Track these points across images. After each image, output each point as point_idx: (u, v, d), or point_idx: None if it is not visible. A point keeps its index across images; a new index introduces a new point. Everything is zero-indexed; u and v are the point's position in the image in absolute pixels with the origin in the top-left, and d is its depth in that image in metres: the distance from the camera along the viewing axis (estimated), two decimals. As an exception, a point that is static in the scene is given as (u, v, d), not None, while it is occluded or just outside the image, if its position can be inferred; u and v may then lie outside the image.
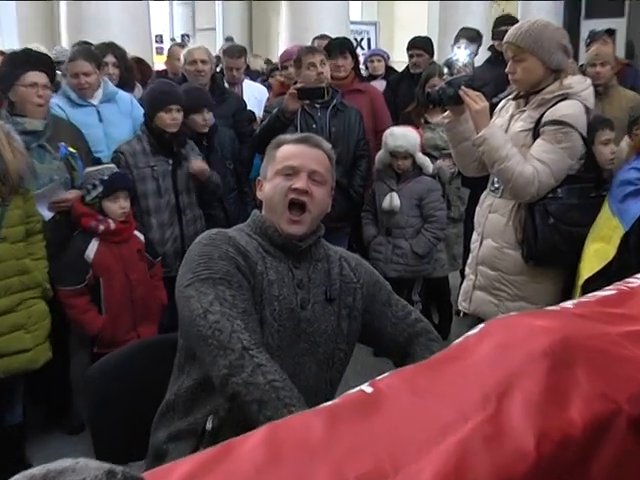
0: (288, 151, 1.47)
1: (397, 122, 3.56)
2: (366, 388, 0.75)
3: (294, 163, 1.44)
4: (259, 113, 3.90)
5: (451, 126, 2.35)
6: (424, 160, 3.41)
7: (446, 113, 2.36)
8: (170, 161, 2.95)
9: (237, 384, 1.18)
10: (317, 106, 3.29)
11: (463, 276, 2.64)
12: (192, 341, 1.28)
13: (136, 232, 2.78)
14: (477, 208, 2.50)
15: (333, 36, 3.93)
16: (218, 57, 4.85)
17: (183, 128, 2.97)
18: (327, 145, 1.51)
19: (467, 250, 2.61)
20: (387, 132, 3.37)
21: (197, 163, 2.92)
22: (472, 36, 4.36)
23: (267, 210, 1.46)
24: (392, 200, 3.34)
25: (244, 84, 4.35)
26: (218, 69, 4.33)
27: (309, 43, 4.10)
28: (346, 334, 1.46)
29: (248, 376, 1.17)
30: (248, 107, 3.86)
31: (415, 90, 3.64)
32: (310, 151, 1.47)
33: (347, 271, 1.50)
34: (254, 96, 4.29)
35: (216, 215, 3.12)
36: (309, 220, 1.43)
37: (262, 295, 1.34)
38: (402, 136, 3.32)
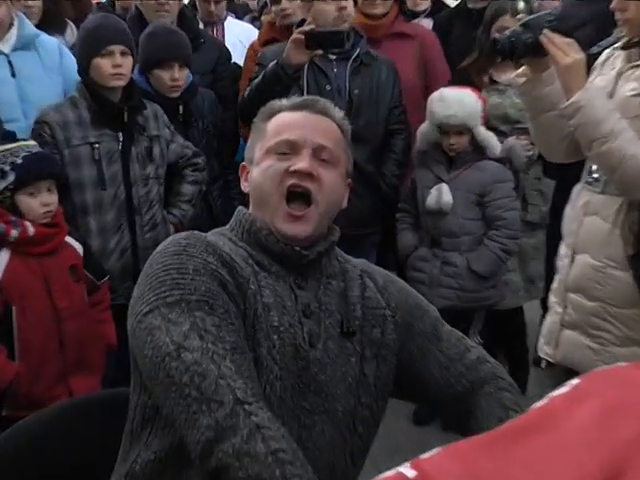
0: (283, 121, 1.51)
1: (449, 82, 3.63)
2: (406, 470, 0.74)
3: (292, 136, 1.48)
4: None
5: (529, 88, 2.38)
6: (488, 137, 3.42)
7: (521, 69, 2.39)
8: (120, 136, 3.01)
9: (226, 453, 1.17)
10: (333, 58, 3.34)
11: (546, 308, 2.70)
12: (158, 392, 1.27)
13: (70, 240, 2.81)
14: (567, 209, 2.56)
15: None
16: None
17: (135, 88, 3.05)
18: (338, 112, 1.55)
19: (551, 270, 2.67)
20: (434, 96, 3.40)
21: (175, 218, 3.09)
22: None
23: (256, 206, 1.51)
24: (441, 195, 3.37)
25: (226, 24, 4.47)
26: (187, 1, 4.44)
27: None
28: (373, 384, 1.50)
29: (243, 442, 1.16)
30: (232, 58, 3.90)
31: (476, 34, 3.68)
32: (314, 119, 1.51)
33: (372, 292, 1.54)
34: (240, 41, 4.33)
35: (195, 215, 3.22)
36: (316, 216, 1.47)
37: (255, 325, 1.37)
38: (456, 102, 3.34)
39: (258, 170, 1.50)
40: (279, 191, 1.46)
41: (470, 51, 3.70)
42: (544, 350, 2.57)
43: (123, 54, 2.99)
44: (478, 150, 3.42)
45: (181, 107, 3.31)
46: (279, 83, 3.11)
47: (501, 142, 3.47)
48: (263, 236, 1.47)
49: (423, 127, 3.46)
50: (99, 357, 2.84)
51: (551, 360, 2.59)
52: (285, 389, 1.38)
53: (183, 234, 1.42)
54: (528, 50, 2.28)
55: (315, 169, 1.47)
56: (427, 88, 3.65)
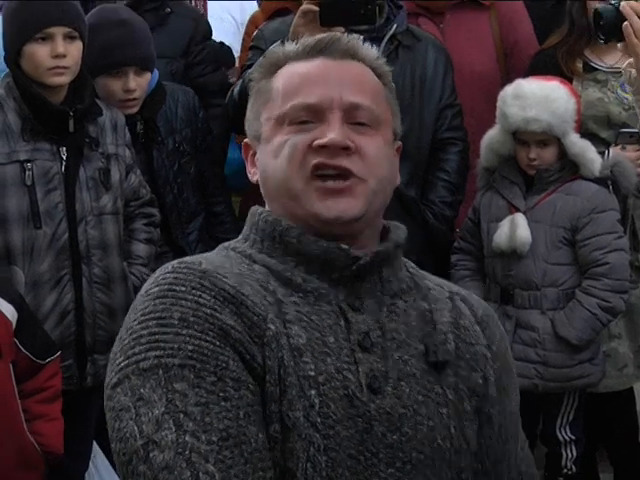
0: (295, 75, 1.41)
1: (529, 67, 3.51)
2: None
3: (311, 97, 1.37)
4: (238, 50, 3.85)
5: None
6: (584, 149, 3.19)
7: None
8: (62, 152, 2.83)
9: None
10: (359, 37, 2.90)
11: None
12: None
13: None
14: None
15: None
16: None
17: (87, 84, 2.88)
18: (370, 51, 1.44)
19: None
20: (506, 91, 3.20)
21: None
22: None
23: (273, 199, 1.41)
24: (515, 230, 3.15)
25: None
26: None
27: None
28: (477, 454, 1.39)
29: None
30: (216, 37, 3.75)
31: (564, 2, 3.50)
32: (339, 68, 1.40)
33: (468, 321, 1.44)
34: (232, 17, 4.18)
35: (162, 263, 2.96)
36: (365, 190, 1.36)
37: (283, 381, 1.27)
38: (539, 99, 3.13)
39: (269, 149, 1.39)
40: (304, 173, 1.35)
41: (556, 26, 3.54)
42: None
43: (68, 38, 2.75)
44: (569, 167, 3.21)
45: (140, 125, 3.09)
46: None
47: (601, 155, 3.23)
48: (294, 237, 1.35)
49: (491, 134, 3.24)
50: (36, 473, 2.64)
51: None
52: (337, 465, 1.27)
53: (174, 263, 1.35)
54: None
55: (350, 139, 1.35)
56: (511, 79, 3.39)
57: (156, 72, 3.11)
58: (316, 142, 1.35)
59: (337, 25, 2.82)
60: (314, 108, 1.37)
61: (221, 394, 1.24)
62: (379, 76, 1.44)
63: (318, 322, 1.34)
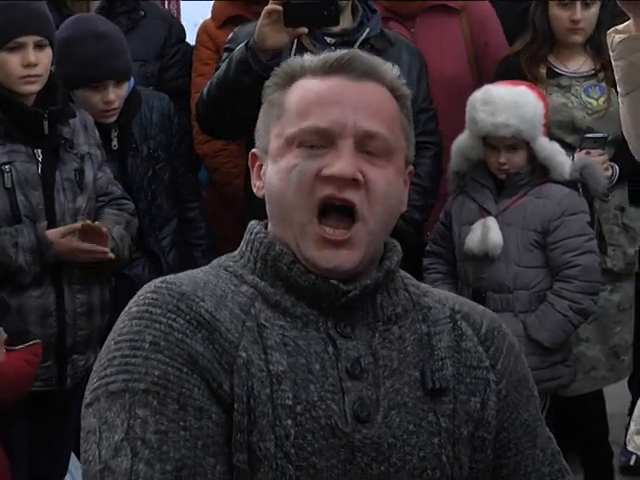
0: (310, 93, 1.37)
1: (495, 74, 3.48)
2: None
3: (324, 121, 1.33)
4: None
5: (629, 48, 2.12)
6: (553, 152, 3.21)
7: (623, 25, 2.13)
8: (38, 153, 2.85)
9: None
10: (328, 41, 3.11)
11: (636, 392, 2.69)
12: None
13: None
14: None
15: None
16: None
17: (57, 87, 2.90)
18: (391, 70, 1.41)
19: None
20: (475, 96, 3.21)
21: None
22: None
23: (275, 221, 1.39)
24: (487, 234, 3.16)
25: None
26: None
27: None
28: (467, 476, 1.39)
29: None
30: (191, 41, 3.76)
31: (527, 8, 3.50)
32: (357, 90, 1.36)
33: (471, 342, 1.43)
34: (202, 18, 4.04)
35: (137, 277, 3.12)
36: (364, 236, 1.34)
37: (253, 410, 1.26)
38: (507, 104, 3.15)
39: (276, 170, 1.36)
40: (308, 205, 1.32)
41: (519, 32, 3.53)
42: (633, 442, 2.39)
43: (38, 47, 2.77)
44: (539, 170, 3.21)
45: (115, 132, 3.12)
46: (249, 74, 2.84)
47: (570, 157, 3.25)
48: (285, 264, 1.35)
49: (461, 139, 3.23)
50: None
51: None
52: None
53: (157, 281, 1.35)
54: None
55: (360, 170, 1.32)
56: (483, 82, 3.41)
57: (132, 79, 3.13)
58: (325, 172, 1.33)
59: (301, 26, 2.85)
60: (325, 133, 1.35)
61: (181, 423, 1.24)
62: (397, 99, 1.41)
63: (305, 347, 1.33)
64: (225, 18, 3.59)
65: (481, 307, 1.51)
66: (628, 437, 2.45)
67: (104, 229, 2.79)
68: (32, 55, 2.74)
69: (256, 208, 3.14)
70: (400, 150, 1.40)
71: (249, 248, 1.41)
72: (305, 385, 1.30)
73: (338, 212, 1.34)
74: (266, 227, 1.41)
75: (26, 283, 2.81)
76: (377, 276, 1.38)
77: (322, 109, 1.35)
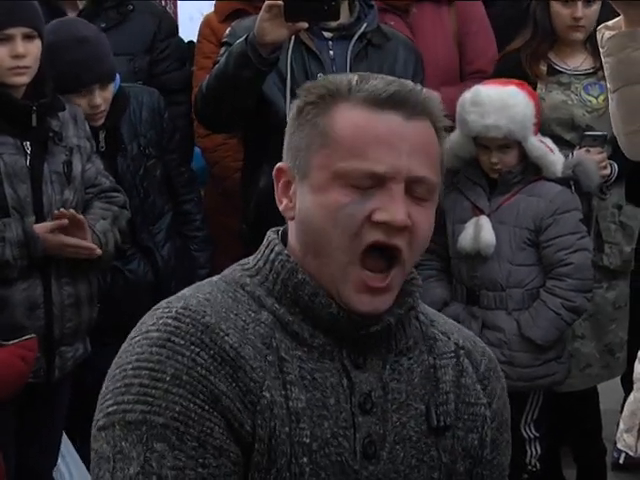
0: (365, 129, 1.32)
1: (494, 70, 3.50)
2: None
3: (380, 167, 1.30)
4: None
5: (619, 45, 2.14)
6: (543, 150, 3.21)
7: (613, 21, 2.16)
8: (26, 146, 2.85)
9: None
10: (327, 36, 3.11)
11: (629, 387, 2.57)
12: None
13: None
14: None
15: None
16: None
17: (47, 80, 2.88)
18: (439, 106, 1.38)
19: (638, 334, 2.59)
20: (465, 97, 3.21)
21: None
22: None
23: (308, 250, 1.36)
24: (479, 231, 3.18)
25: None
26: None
27: None
28: None
29: None
30: (186, 36, 3.77)
31: (528, 4, 3.52)
32: (411, 132, 1.33)
33: (470, 379, 1.44)
34: (200, 15, 4.06)
35: (132, 272, 3.15)
36: (401, 280, 1.35)
37: (273, 449, 1.27)
38: (496, 105, 3.14)
39: (319, 202, 1.32)
40: (354, 248, 1.30)
41: (520, 29, 3.52)
42: (623, 440, 2.42)
43: (27, 38, 2.77)
44: (531, 168, 3.22)
45: (102, 134, 3.12)
46: (248, 68, 2.86)
47: (566, 156, 3.26)
48: (307, 295, 1.33)
49: (452, 139, 3.17)
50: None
51: (631, 453, 2.47)
52: None
53: (179, 307, 1.30)
54: None
55: (409, 214, 1.30)
56: (462, 76, 3.54)
57: (117, 78, 3.13)
58: (377, 217, 1.30)
59: (301, 21, 2.87)
60: (380, 177, 1.32)
61: (200, 460, 1.24)
62: (437, 130, 1.38)
63: (321, 381, 1.33)
64: (228, 12, 3.60)
65: (481, 344, 1.50)
66: (618, 435, 2.46)
67: (79, 217, 2.77)
68: (21, 46, 2.74)
69: (252, 203, 3.09)
70: (439, 187, 1.39)
71: (268, 267, 1.39)
72: (320, 422, 1.31)
73: (381, 256, 1.33)
74: (283, 236, 1.40)
75: (13, 277, 2.81)
76: (399, 313, 1.37)
77: (379, 151, 1.32)
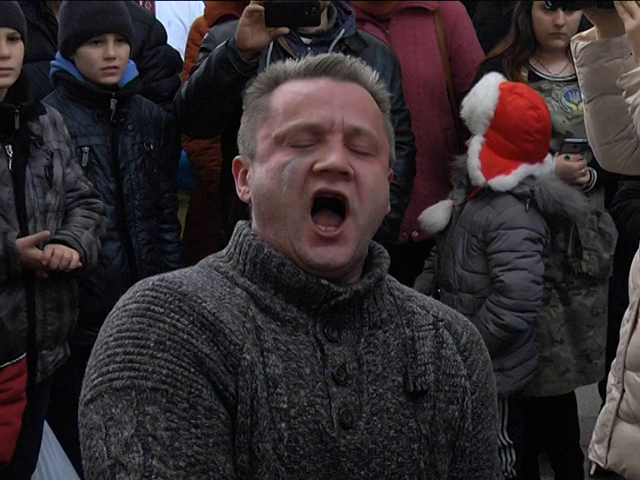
0: (296, 94, 1.40)
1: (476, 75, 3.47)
2: None
3: (314, 117, 1.37)
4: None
5: (592, 55, 2.20)
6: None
7: (587, 32, 2.24)
8: (8, 149, 2.84)
9: None
10: (305, 42, 3.15)
11: (606, 396, 2.56)
12: None
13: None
14: (636, 256, 2.42)
15: None
16: None
17: (28, 82, 2.89)
18: (371, 75, 1.44)
19: (616, 341, 2.56)
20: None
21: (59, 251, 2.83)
22: None
23: (264, 222, 1.40)
24: (433, 213, 3.25)
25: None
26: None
27: None
28: None
29: None
30: (169, 41, 3.72)
31: (510, 11, 3.55)
32: (342, 90, 1.40)
33: (450, 351, 1.45)
34: (179, 20, 4.14)
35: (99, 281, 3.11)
36: (355, 232, 1.37)
37: (255, 412, 1.28)
38: (473, 103, 3.19)
39: (265, 170, 1.38)
40: (301, 201, 1.34)
41: (502, 35, 3.56)
42: (594, 451, 2.42)
43: (10, 40, 2.76)
44: None
45: (113, 102, 3.09)
46: (229, 72, 2.87)
47: None
48: (275, 267, 1.36)
49: None
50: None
51: (601, 464, 2.44)
52: None
53: (155, 279, 1.33)
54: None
55: (350, 164, 1.35)
56: (455, 83, 3.56)
57: (134, 65, 3.14)
58: (317, 166, 1.34)
59: (282, 26, 2.88)
60: (315, 129, 1.37)
61: (192, 421, 1.24)
62: (378, 102, 1.44)
63: (295, 352, 1.35)
64: (217, 17, 3.61)
65: (464, 318, 1.52)
66: (590, 446, 2.46)
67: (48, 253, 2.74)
68: (4, 48, 2.73)
69: (231, 208, 3.08)
70: (384, 149, 1.43)
71: (237, 250, 1.42)
72: (297, 390, 1.32)
73: (329, 208, 1.36)
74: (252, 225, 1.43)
75: None
76: (368, 282, 1.39)
77: (311, 107, 1.37)
